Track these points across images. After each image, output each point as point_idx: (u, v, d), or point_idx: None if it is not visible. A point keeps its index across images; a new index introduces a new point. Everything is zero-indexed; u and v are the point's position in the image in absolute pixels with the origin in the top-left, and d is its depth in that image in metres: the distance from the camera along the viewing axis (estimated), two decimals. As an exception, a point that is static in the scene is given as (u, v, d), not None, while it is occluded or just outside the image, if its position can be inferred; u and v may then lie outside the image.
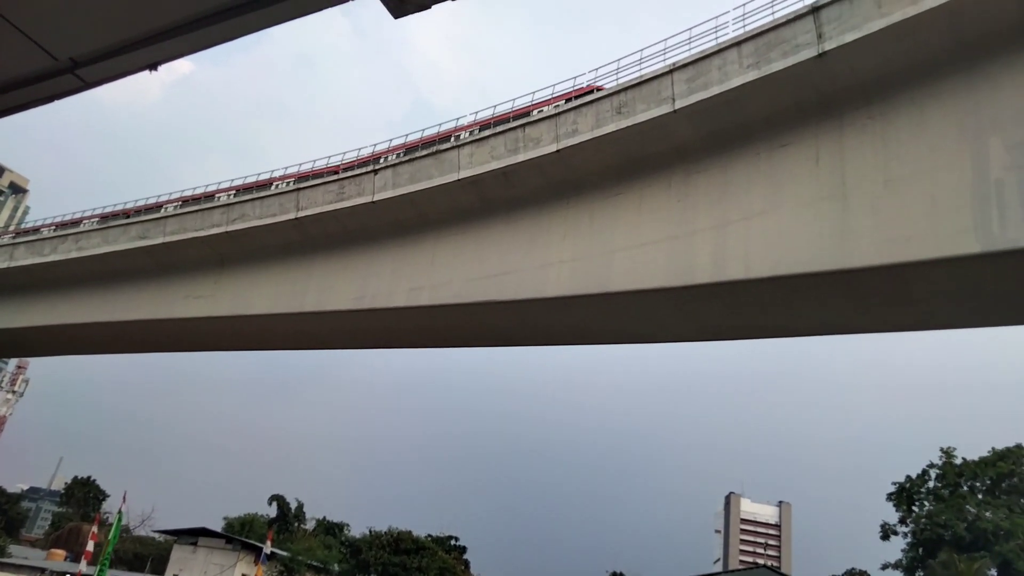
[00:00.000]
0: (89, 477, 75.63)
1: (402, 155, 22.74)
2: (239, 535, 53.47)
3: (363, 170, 22.50)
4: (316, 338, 28.43)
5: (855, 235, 14.57)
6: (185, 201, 29.75)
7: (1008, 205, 12.57)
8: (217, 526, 56.50)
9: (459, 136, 21.91)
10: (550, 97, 20.98)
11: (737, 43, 15.88)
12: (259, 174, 28.04)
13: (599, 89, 18.46)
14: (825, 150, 15.24)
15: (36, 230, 35.44)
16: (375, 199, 21.87)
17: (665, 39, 18.25)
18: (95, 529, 35.23)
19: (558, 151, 18.70)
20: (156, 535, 63.54)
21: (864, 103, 14.78)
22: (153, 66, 6.22)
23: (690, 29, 17.74)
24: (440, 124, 23.40)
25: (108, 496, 72.86)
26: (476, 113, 22.27)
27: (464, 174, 20.24)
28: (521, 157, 19.29)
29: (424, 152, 21.46)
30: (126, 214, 31.28)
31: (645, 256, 17.71)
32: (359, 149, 24.47)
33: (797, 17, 14.95)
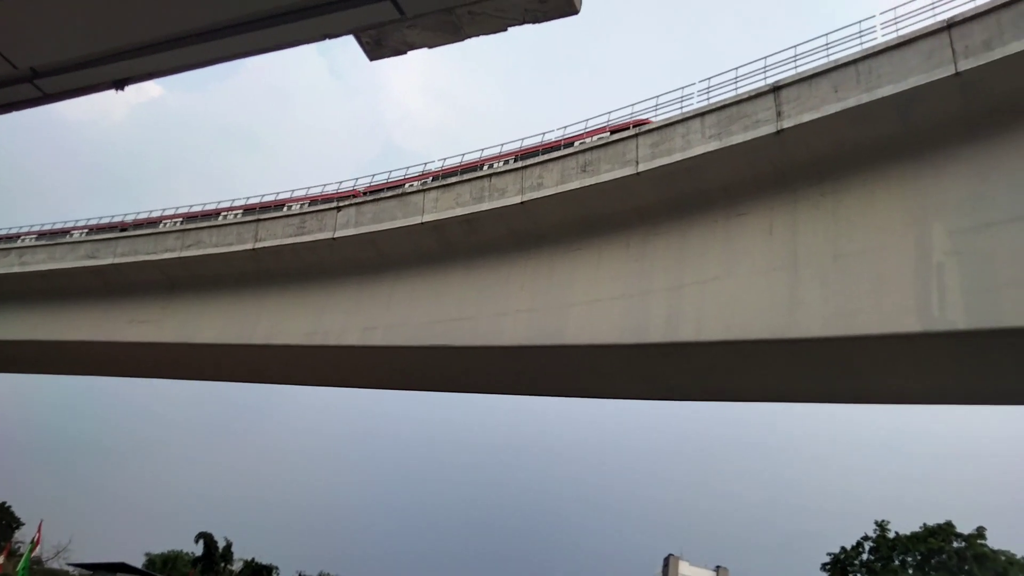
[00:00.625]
0: (4, 503, 71.46)
1: (367, 194, 22.76)
2: (160, 572, 50.88)
3: (326, 206, 22.41)
4: (264, 372, 27.80)
5: (804, 306, 14.99)
6: (138, 224, 29.12)
7: (948, 288, 13.12)
8: (138, 562, 53.76)
9: (426, 181, 22.05)
10: (539, 144, 21.35)
11: (701, 114, 16.47)
12: (219, 202, 27.66)
13: (646, 122, 18.44)
14: (779, 222, 15.76)
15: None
16: (336, 236, 21.73)
17: (633, 104, 18.84)
18: (3, 560, 33.12)
19: (523, 203, 18.94)
20: (71, 568, 60.07)
21: (818, 180, 15.41)
22: (119, 84, 6.14)
23: (656, 97, 18.40)
24: (408, 168, 23.53)
25: (23, 524, 68.77)
26: (444, 160, 22.50)
27: (428, 218, 20.30)
28: (486, 206, 19.48)
29: (389, 193, 21.51)
30: (67, 232, 30.52)
31: (600, 312, 17.91)
32: (324, 185, 24.41)
33: (759, 94, 15.61)
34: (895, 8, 14.89)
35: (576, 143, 19.43)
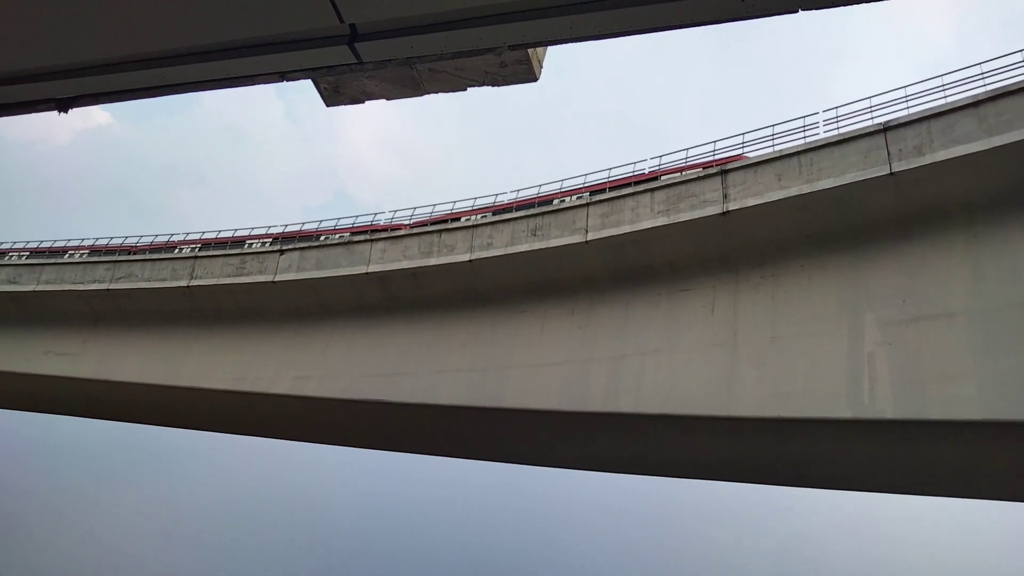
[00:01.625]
0: None
1: (313, 240, 22.39)
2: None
3: (269, 248, 21.92)
4: (188, 417, 26.48)
5: (741, 385, 15.18)
6: (67, 251, 27.89)
7: (877, 378, 13.49)
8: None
9: (375, 232, 21.85)
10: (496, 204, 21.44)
11: (651, 189, 16.89)
12: (156, 235, 26.80)
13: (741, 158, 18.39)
14: (721, 301, 16.09)
15: None
16: (276, 279, 21.19)
17: (586, 174, 19.25)
18: None
19: (471, 261, 18.90)
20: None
21: (759, 263, 15.87)
22: (63, 106, 5.84)
23: (609, 169, 18.85)
24: (356, 216, 23.34)
25: None
26: (394, 212, 22.41)
27: (373, 268, 20.03)
28: (433, 261, 19.36)
29: (335, 241, 21.21)
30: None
31: (541, 377, 17.79)
32: (269, 227, 23.92)
33: (707, 176, 16.14)
34: (836, 108, 15.76)
35: (559, 199, 19.64)
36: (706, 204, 15.81)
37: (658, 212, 16.43)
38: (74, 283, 23.92)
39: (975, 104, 13.65)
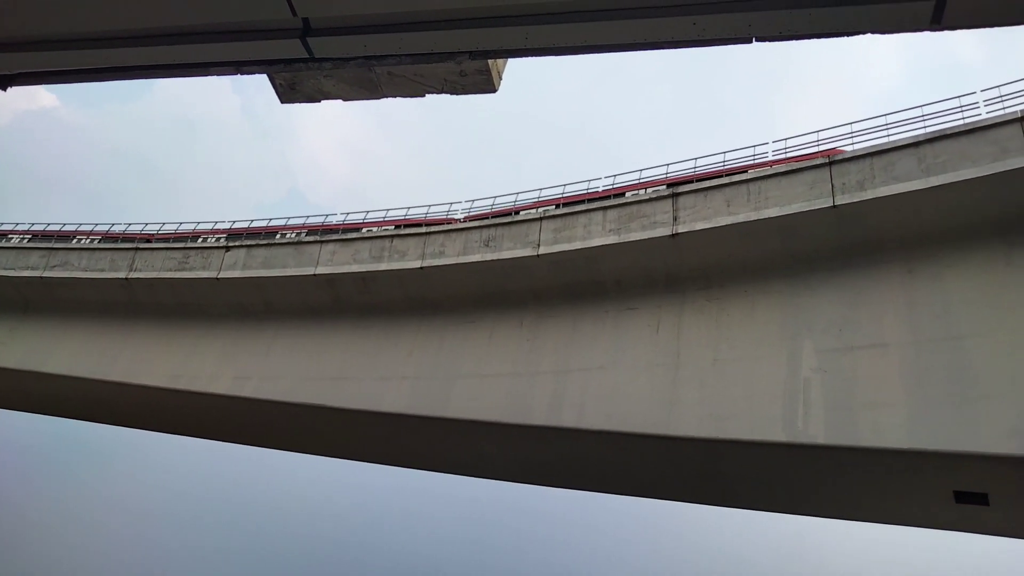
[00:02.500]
0: None
1: (261, 237, 21.94)
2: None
3: (215, 244, 21.40)
4: (120, 413, 25.53)
5: (681, 405, 15.42)
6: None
7: (812, 403, 13.88)
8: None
9: (325, 234, 21.55)
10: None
11: (604, 208, 17.12)
12: (96, 224, 25.82)
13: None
14: (666, 321, 16.35)
15: None
16: (220, 276, 20.69)
17: (541, 188, 19.40)
18: None
19: (422, 268, 18.80)
20: None
21: (705, 286, 16.21)
22: (2, 83, 5.60)
23: (564, 185, 19.04)
24: (307, 216, 22.97)
25: None
26: (347, 214, 22.15)
27: (322, 271, 19.74)
28: (384, 266, 19.19)
29: (284, 240, 20.84)
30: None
31: (487, 388, 17.76)
32: (215, 222, 23.35)
33: (659, 198, 16.45)
34: (785, 139, 16.27)
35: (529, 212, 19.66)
36: (656, 225, 16.09)
37: (609, 230, 16.66)
38: (5, 268, 22.92)
39: (916, 144, 14.26)
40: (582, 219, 17.18)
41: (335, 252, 19.81)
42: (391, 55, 5.02)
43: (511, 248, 17.87)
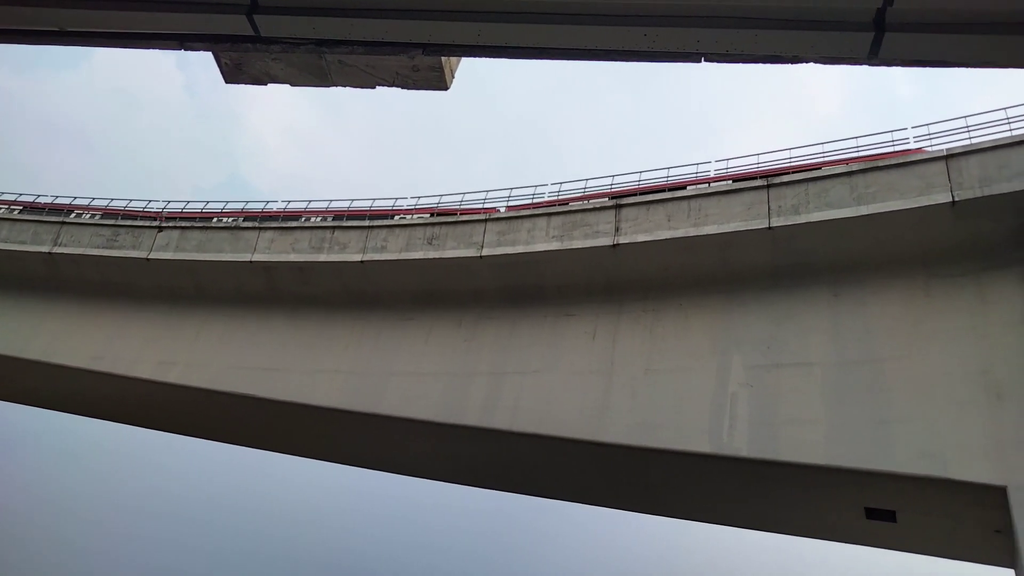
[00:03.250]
0: None
1: (196, 221, 21.28)
2: None
3: (147, 223, 20.65)
4: (36, 394, 24.31)
5: (613, 412, 15.66)
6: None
7: (737, 417, 14.31)
8: None
9: (264, 221, 21.03)
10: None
11: (548, 214, 17.27)
12: (19, 194, 24.54)
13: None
14: (602, 329, 16.60)
15: None
16: (150, 257, 19.97)
17: (488, 191, 19.42)
18: None
19: (362, 262, 18.57)
20: None
21: (642, 297, 16.52)
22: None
23: (511, 189, 19.10)
24: (247, 202, 22.36)
25: None
26: (288, 203, 21.67)
27: (258, 258, 19.28)
28: (323, 257, 18.87)
29: (221, 224, 20.27)
30: None
31: (422, 386, 17.66)
32: (148, 201, 22.46)
33: (603, 208, 16.70)
34: (727, 160, 16.75)
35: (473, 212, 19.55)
36: (599, 235, 16.34)
37: (553, 237, 16.82)
38: (-86, 235, 21.60)
39: (849, 174, 14.88)
40: (527, 224, 17.29)
41: (273, 240, 19.39)
42: (343, 42, 4.95)
43: (454, 248, 17.84)
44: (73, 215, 22.43)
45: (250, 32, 4.31)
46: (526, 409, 16.48)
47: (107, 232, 20.58)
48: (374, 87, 5.86)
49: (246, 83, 6.13)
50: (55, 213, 22.51)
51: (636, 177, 17.50)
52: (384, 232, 18.67)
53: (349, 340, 18.78)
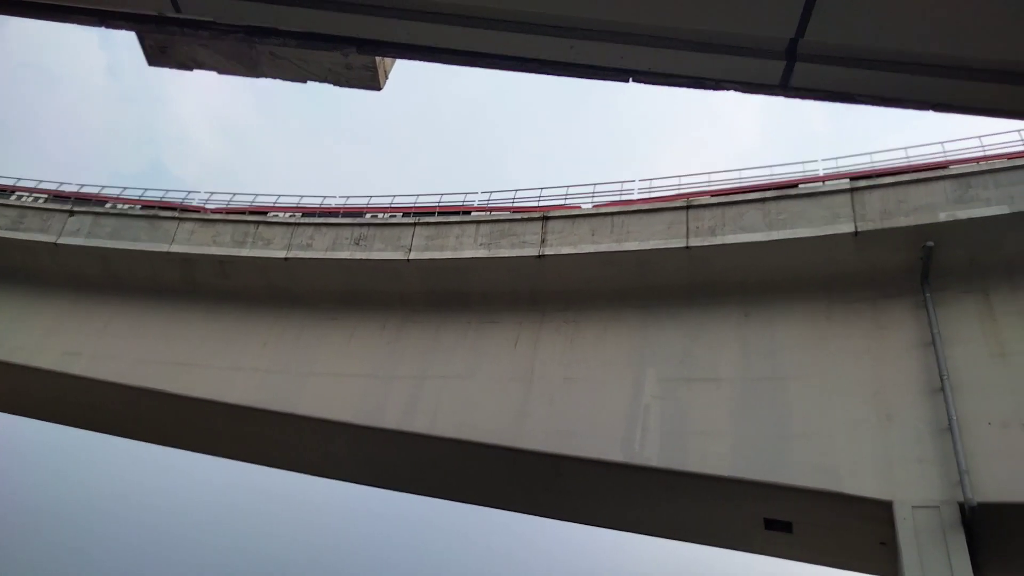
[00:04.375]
0: None
1: (111, 206, 20.46)
2: None
3: (57, 206, 19.72)
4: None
5: (531, 419, 15.92)
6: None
7: (649, 428, 14.79)
8: None
9: (185, 211, 20.41)
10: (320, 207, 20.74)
11: (477, 221, 17.47)
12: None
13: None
14: (524, 337, 16.87)
15: None
16: (59, 242, 19.07)
17: (417, 195, 19.48)
18: None
19: (286, 259, 18.27)
20: None
21: (564, 307, 16.90)
22: None
23: (440, 195, 19.23)
24: (167, 190, 21.63)
25: None
26: (212, 194, 21.09)
27: (177, 249, 18.70)
28: (246, 252, 18.47)
29: (138, 212, 19.56)
30: None
31: (341, 387, 17.48)
32: (60, 183, 21.44)
33: (530, 219, 17.03)
34: (650, 180, 17.40)
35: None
36: (525, 245, 16.64)
37: (481, 244, 17.02)
38: None
39: (763, 201, 15.68)
40: (455, 230, 17.44)
41: (194, 231, 18.85)
42: (274, 32, 4.97)
43: (382, 249, 17.80)
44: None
45: (171, 10, 4.30)
46: (446, 414, 16.55)
47: (12, 213, 19.54)
48: (305, 81, 5.88)
49: (171, 67, 6.05)
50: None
51: (564, 191, 17.93)
52: (310, 230, 18.45)
53: (269, 338, 18.42)
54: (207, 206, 20.94)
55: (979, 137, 15.74)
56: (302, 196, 20.59)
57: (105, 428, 23.30)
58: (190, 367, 18.29)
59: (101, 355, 18.55)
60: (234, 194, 20.89)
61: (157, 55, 5.80)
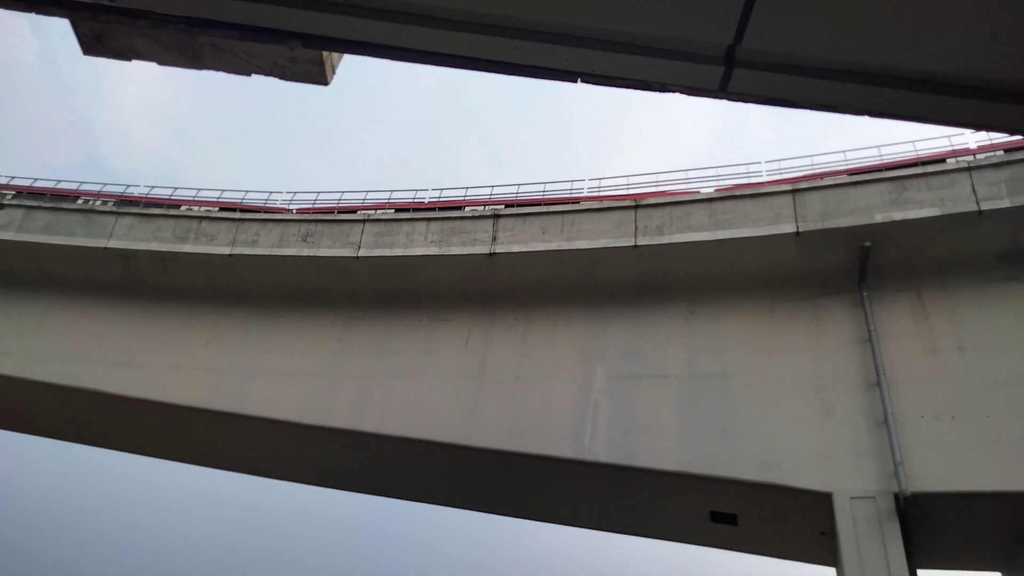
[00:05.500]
0: None
1: (45, 199, 19.66)
2: None
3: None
4: None
5: (483, 417, 15.92)
6: None
7: (598, 424, 14.96)
8: None
9: (124, 205, 19.74)
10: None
11: (428, 219, 17.36)
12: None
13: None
14: (476, 335, 16.85)
15: None
16: (-12, 237, 18.24)
17: (367, 191, 19.27)
18: None
19: (231, 256, 17.84)
20: None
21: (515, 306, 16.94)
22: None
23: (391, 192, 19.06)
24: (104, 184, 20.86)
25: None
26: (152, 188, 20.45)
27: (115, 244, 18.06)
28: (188, 248, 17.97)
29: (74, 206, 18.83)
30: None
31: (288, 387, 17.18)
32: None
33: (481, 217, 17.01)
34: (600, 179, 17.58)
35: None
36: (476, 243, 16.61)
37: (431, 241, 16.92)
38: None
39: (709, 201, 16.00)
40: (405, 227, 17.30)
41: (133, 226, 18.24)
42: (217, 24, 4.85)
43: (330, 247, 17.53)
44: None
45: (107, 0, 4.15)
46: (396, 412, 16.42)
47: (-64, 206, 18.62)
48: (249, 75, 5.74)
49: (108, 56, 5.83)
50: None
51: (515, 189, 17.97)
52: (256, 226, 18.05)
53: (212, 336, 17.96)
54: (148, 199, 20.30)
55: (913, 142, 16.40)
56: (247, 192, 20.14)
57: (38, 431, 22.37)
58: (128, 367, 17.71)
59: (34, 355, 17.82)
60: (175, 188, 20.30)
61: (92, 44, 5.59)
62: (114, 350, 17.93)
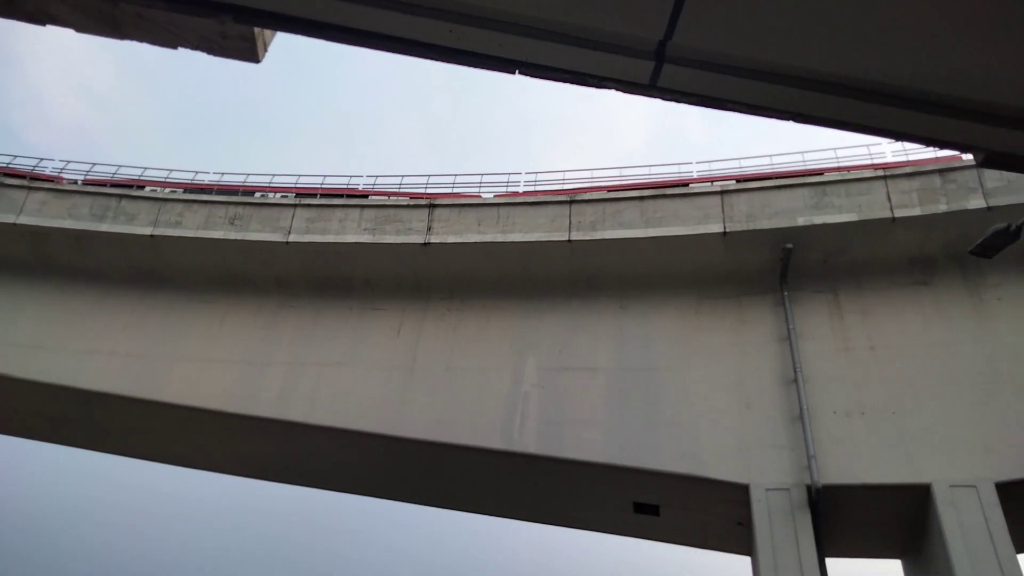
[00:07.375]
0: None
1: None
2: None
3: None
4: None
5: (412, 407, 15.82)
6: None
7: (528, 415, 15.08)
8: None
9: (35, 180, 18.68)
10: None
11: (362, 206, 17.08)
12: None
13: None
14: (408, 325, 16.71)
15: None
16: None
17: (299, 175, 18.81)
18: None
19: (152, 236, 17.13)
20: None
21: (448, 296, 16.88)
22: None
23: (324, 177, 18.66)
24: (15, 156, 19.68)
25: None
26: (68, 162, 19.40)
27: (26, 221, 17.09)
28: (106, 227, 17.16)
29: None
30: None
31: (211, 373, 16.65)
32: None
33: (416, 206, 16.85)
34: (536, 173, 17.69)
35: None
36: (411, 232, 16.46)
37: (364, 229, 16.67)
38: None
39: (641, 199, 16.30)
40: (338, 213, 16.98)
41: (45, 202, 17.29)
42: (138, -6, 4.63)
43: (259, 230, 17.05)
44: None
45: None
46: (324, 401, 16.14)
47: None
48: (176, 47, 5.51)
49: (19, 19, 5.50)
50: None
51: (451, 180, 17.88)
52: (180, 207, 17.38)
53: (130, 319, 17.23)
54: (62, 175, 19.26)
55: (835, 149, 17.12)
56: (171, 170, 19.36)
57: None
58: (39, 350, 16.82)
59: (-68, 336, 16.71)
60: (94, 164, 19.33)
61: (3, 5, 5.28)
62: (25, 332, 17.00)
